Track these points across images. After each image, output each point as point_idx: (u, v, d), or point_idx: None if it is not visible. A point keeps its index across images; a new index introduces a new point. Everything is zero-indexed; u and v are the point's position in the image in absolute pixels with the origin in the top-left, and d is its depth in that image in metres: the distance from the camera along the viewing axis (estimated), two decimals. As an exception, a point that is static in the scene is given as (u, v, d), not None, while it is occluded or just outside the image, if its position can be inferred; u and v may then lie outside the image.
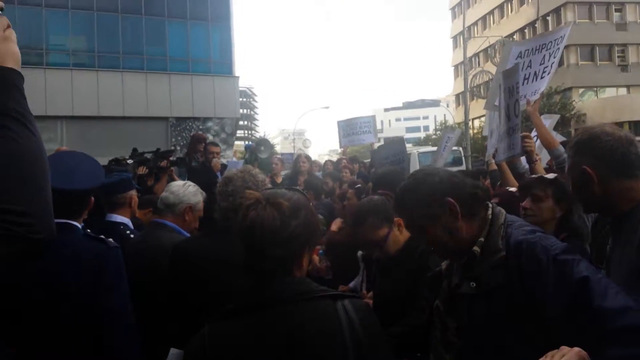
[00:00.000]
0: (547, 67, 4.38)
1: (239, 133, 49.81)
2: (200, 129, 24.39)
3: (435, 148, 20.66)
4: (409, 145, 40.60)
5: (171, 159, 6.42)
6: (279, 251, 1.61)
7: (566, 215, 3.04)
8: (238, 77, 27.56)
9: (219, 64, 26.53)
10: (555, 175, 3.21)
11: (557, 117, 5.95)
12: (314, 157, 14.86)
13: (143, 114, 24.24)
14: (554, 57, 4.34)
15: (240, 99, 39.25)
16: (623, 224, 1.98)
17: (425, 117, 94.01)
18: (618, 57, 39.87)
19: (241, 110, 40.44)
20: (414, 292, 2.64)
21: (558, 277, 1.72)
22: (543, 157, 4.39)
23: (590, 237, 3.18)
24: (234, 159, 10.38)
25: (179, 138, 24.55)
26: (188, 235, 3.28)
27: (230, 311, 1.65)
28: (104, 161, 4.61)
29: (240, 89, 35.70)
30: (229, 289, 2.01)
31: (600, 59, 39.54)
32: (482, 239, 1.90)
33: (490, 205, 1.99)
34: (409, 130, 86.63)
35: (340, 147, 10.64)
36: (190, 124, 25.22)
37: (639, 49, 39.67)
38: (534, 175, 3.34)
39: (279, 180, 8.25)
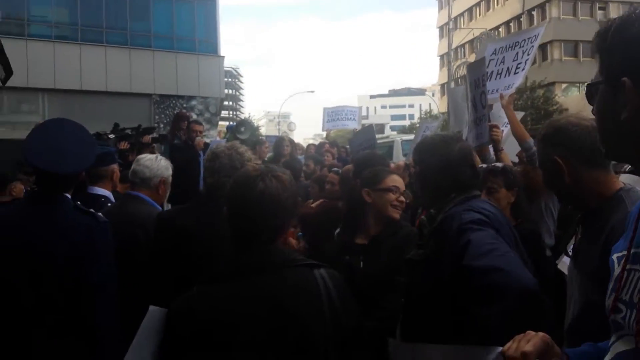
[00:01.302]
0: (520, 63, 4.58)
1: (224, 113, 49.54)
2: (184, 107, 24.23)
3: (418, 136, 20.82)
4: (393, 133, 40.83)
5: (153, 135, 6.49)
6: (277, 221, 1.75)
7: (517, 201, 3.23)
8: (223, 56, 27.37)
9: (204, 42, 26.30)
10: (503, 164, 3.41)
11: (522, 113, 6.25)
12: (299, 140, 14.93)
13: (126, 89, 23.97)
14: (528, 55, 4.54)
15: (226, 79, 39.00)
16: (590, 221, 2.00)
17: (411, 106, 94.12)
18: (601, 54, 40.32)
19: (226, 91, 40.14)
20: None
21: (453, 242, 1.93)
22: (513, 148, 4.57)
23: (555, 223, 3.39)
24: (218, 139, 10.40)
25: (162, 115, 24.36)
26: (160, 208, 3.37)
27: (218, 275, 1.76)
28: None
29: (226, 69, 35.48)
30: (215, 260, 2.13)
31: (584, 55, 40.02)
32: (432, 211, 2.18)
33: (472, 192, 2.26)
34: (394, 118, 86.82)
35: (323, 131, 10.81)
36: (174, 101, 25.03)
37: (619, 7, 40.05)
38: (482, 165, 3.47)
39: (261, 163, 8.32)
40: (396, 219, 2.84)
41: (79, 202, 2.53)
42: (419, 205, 3.65)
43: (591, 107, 1.22)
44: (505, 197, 3.19)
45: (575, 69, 37.65)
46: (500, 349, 1.40)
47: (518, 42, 4.66)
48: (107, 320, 2.37)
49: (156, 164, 3.42)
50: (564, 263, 2.43)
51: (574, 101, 36.72)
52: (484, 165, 3.44)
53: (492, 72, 4.64)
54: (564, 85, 39.86)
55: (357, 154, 7.12)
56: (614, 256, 1.30)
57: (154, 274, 2.76)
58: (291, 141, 8.90)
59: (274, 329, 1.66)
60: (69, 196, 2.54)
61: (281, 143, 8.49)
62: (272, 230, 1.76)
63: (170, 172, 3.50)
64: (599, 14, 40.69)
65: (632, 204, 1.56)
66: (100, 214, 2.51)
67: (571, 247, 2.21)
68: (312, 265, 1.78)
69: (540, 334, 1.37)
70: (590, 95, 1.21)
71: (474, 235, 1.90)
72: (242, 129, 8.59)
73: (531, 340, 1.34)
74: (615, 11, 40.53)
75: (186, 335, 1.69)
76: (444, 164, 2.23)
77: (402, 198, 2.84)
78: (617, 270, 1.25)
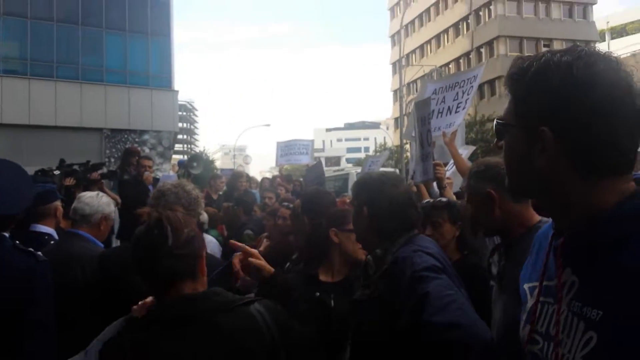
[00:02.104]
0: (460, 102, 4.79)
1: (178, 147, 49.05)
2: (137, 141, 23.92)
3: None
4: (349, 165, 41.24)
5: (101, 171, 6.38)
6: (187, 266, 1.74)
7: (461, 234, 3.31)
8: (177, 90, 27.31)
9: (158, 77, 26.19)
10: (447, 199, 3.50)
11: (472, 147, 6.49)
12: (255, 173, 14.99)
13: (76, 124, 23.52)
14: (468, 94, 4.76)
15: (180, 113, 38.74)
16: (514, 248, 2.15)
17: (366, 139, 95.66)
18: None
19: (180, 124, 39.87)
20: None
21: (409, 290, 1.91)
22: (457, 183, 4.74)
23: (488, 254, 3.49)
24: (171, 173, 10.27)
25: (114, 150, 23.95)
26: (102, 245, 3.32)
27: (150, 321, 1.70)
28: (32, 170, 4.55)
29: (180, 102, 35.29)
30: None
31: (527, 51, 41.56)
32: (378, 251, 2.15)
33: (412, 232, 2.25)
34: (350, 150, 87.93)
35: (277, 165, 10.88)
36: (125, 136, 24.67)
37: (563, 44, 42.13)
38: (426, 201, 3.56)
39: (216, 197, 8.27)
40: (363, 260, 2.85)
41: (18, 242, 2.47)
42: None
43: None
44: (450, 231, 3.24)
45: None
46: None
47: (458, 82, 4.91)
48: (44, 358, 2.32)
49: (97, 200, 3.37)
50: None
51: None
52: (430, 200, 3.51)
53: (434, 110, 4.83)
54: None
55: (309, 187, 7.40)
56: (525, 286, 1.36)
57: (96, 312, 2.70)
58: (248, 177, 8.90)
59: None
60: (7, 235, 2.48)
61: (237, 178, 8.46)
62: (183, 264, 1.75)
63: (112, 208, 3.46)
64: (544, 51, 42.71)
65: None
66: (39, 253, 2.46)
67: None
68: (247, 302, 1.78)
69: None
70: (500, 132, 1.25)
71: (432, 287, 1.88)
72: (194, 164, 8.46)
73: None
74: (559, 48, 42.68)
75: None
76: (392, 204, 2.23)
77: None
78: (530, 301, 1.30)
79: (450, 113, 4.83)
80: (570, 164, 1.14)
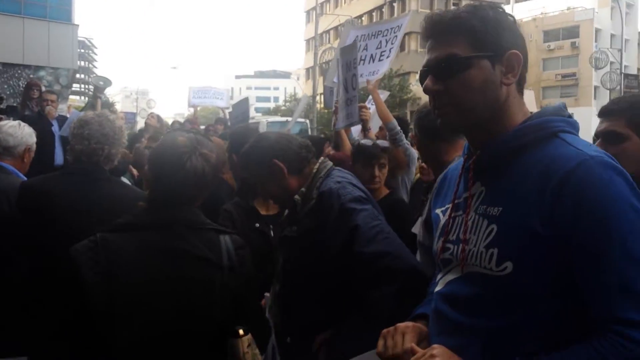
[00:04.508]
0: (384, 51, 4.89)
1: (76, 87, 45.94)
2: (32, 77, 22.17)
3: (283, 119, 21.18)
4: (258, 115, 40.85)
5: (0, 106, 5.93)
6: (197, 193, 1.92)
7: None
8: (77, 25, 25.36)
9: (56, 8, 24.14)
10: (387, 143, 3.67)
11: (387, 93, 6.72)
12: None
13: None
14: (392, 43, 4.86)
15: (79, 50, 36.17)
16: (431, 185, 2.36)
17: (276, 88, 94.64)
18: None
19: (79, 62, 37.25)
20: None
21: (338, 223, 2.03)
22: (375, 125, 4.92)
23: (408, 193, 3.76)
24: (68, 115, 9.69)
25: (6, 86, 22.04)
26: (25, 178, 3.15)
27: (124, 226, 1.84)
28: None
29: (79, 39, 32.88)
30: (77, 231, 2.08)
31: (438, 9, 42.99)
32: (303, 189, 2.21)
33: (317, 160, 2.29)
34: (259, 99, 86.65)
35: (189, 107, 10.53)
36: (19, 71, 22.71)
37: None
38: (377, 143, 3.68)
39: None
40: None
41: None
42: None
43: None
44: (386, 172, 3.52)
45: (429, 61, 40.16)
46: (374, 352, 1.44)
47: (381, 31, 4.98)
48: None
49: (20, 131, 3.19)
50: (417, 226, 2.74)
51: (427, 91, 39.43)
52: (367, 141, 3.65)
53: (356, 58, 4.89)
54: (417, 75, 42.63)
55: (235, 125, 7.55)
56: (437, 211, 1.58)
57: (19, 245, 2.62)
58: (159, 117, 8.61)
59: (179, 275, 1.79)
60: None
61: (149, 118, 8.24)
62: (189, 199, 1.91)
63: (34, 139, 3.28)
64: (453, 9, 43.95)
65: None
66: None
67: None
68: (219, 230, 1.94)
69: (410, 324, 1.46)
70: (454, 68, 1.34)
71: (360, 219, 1.99)
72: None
73: (407, 335, 1.41)
74: (465, 8, 44.21)
75: (90, 276, 1.74)
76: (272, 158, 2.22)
77: None
78: (442, 220, 1.51)
79: (374, 61, 4.92)
80: (516, 86, 1.38)
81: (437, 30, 1.39)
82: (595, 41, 45.38)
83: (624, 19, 32.36)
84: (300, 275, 2.16)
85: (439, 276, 1.48)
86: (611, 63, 29.98)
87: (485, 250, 1.28)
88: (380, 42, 4.92)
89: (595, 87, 42.38)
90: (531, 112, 1.41)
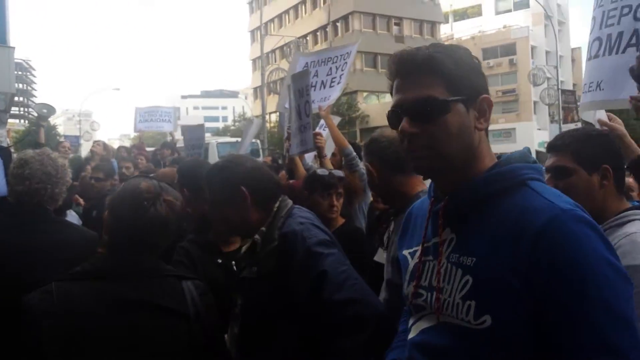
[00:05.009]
0: (335, 77, 4.92)
1: (14, 110, 44.25)
2: (-34, 103, 21.19)
3: (234, 139, 21.05)
4: (208, 135, 40.28)
5: None
6: (157, 242, 1.87)
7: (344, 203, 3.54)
8: (14, 47, 24.44)
9: (-9, 30, 23.27)
10: (342, 173, 3.66)
11: (339, 118, 6.80)
12: (103, 140, 13.99)
13: None
14: (342, 70, 4.90)
15: (16, 72, 34.89)
16: (399, 215, 2.32)
17: (224, 108, 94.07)
18: (397, 65, 44.83)
19: (17, 85, 35.89)
20: None
21: (304, 267, 1.94)
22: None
23: (365, 219, 3.74)
24: (7, 140, 9.36)
25: (-63, 112, 20.98)
26: None
27: (80, 274, 1.76)
28: None
29: (16, 60, 31.68)
30: (23, 279, 1.95)
31: (382, 67, 43.94)
32: (263, 229, 2.11)
33: (280, 198, 2.20)
34: (207, 119, 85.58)
35: (135, 132, 10.29)
36: (-49, 96, 21.71)
37: (411, 24, 44.96)
38: (321, 171, 3.66)
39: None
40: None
41: None
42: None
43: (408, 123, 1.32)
44: (342, 201, 3.51)
45: (374, 79, 41.07)
46: None
47: (330, 57, 5.02)
48: None
49: None
50: (380, 254, 2.70)
51: (374, 108, 40.20)
52: (322, 170, 3.61)
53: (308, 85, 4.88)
54: (365, 94, 43.39)
55: (187, 148, 7.54)
56: (405, 252, 1.55)
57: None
58: (105, 144, 8.39)
59: (140, 325, 1.73)
60: None
61: (95, 145, 8.05)
62: (151, 246, 1.86)
63: None
64: (395, 29, 45.17)
65: None
66: None
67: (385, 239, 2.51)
68: (180, 277, 1.90)
69: None
70: (434, 111, 1.30)
71: (327, 264, 1.91)
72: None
73: None
74: (408, 27, 45.42)
75: (45, 327, 1.66)
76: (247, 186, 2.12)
77: None
78: (411, 263, 1.48)
79: (325, 87, 4.94)
80: (485, 132, 1.37)
81: (408, 69, 1.34)
82: (532, 57, 47.43)
83: (557, 36, 33.93)
84: (260, 318, 2.06)
85: (410, 321, 1.44)
86: (548, 79, 31.29)
87: (461, 302, 1.25)
88: (331, 68, 4.96)
89: (535, 102, 44.11)
90: (497, 157, 1.40)
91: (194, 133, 8.37)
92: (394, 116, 1.36)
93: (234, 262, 2.74)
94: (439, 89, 1.30)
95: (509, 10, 53.35)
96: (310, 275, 1.91)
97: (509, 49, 48.58)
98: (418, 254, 1.44)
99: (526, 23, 49.41)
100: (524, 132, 43.90)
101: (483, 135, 1.36)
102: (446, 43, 1.44)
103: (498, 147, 29.15)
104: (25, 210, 2.49)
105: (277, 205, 2.16)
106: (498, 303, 1.19)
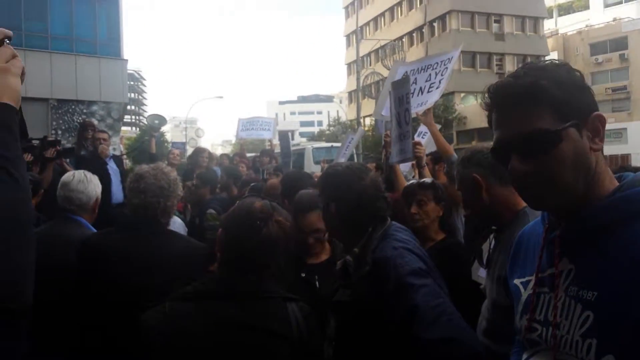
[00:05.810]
0: (433, 83, 4.78)
1: (127, 118, 47.61)
2: (85, 112, 23.02)
3: (328, 144, 21.29)
4: (303, 140, 41.07)
5: (58, 148, 6.10)
6: (269, 262, 1.88)
7: (444, 215, 3.36)
8: (127, 60, 26.28)
9: (106, 45, 25.09)
10: (432, 179, 3.54)
11: (437, 126, 6.64)
12: (207, 146, 14.69)
13: (21, 93, 22.37)
14: (442, 75, 4.75)
15: (128, 83, 37.54)
16: (504, 231, 2.20)
17: (319, 112, 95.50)
18: (496, 65, 43.18)
19: (129, 95, 38.60)
20: None
21: (395, 299, 1.86)
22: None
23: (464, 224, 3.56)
24: (121, 147, 10.16)
25: (61, 121, 22.97)
26: (94, 229, 3.16)
27: (193, 294, 1.81)
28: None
29: (128, 71, 34.11)
30: (138, 287, 2.05)
31: (480, 66, 42.55)
32: (356, 250, 2.07)
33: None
34: (303, 124, 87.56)
35: (238, 140, 10.72)
36: (73, 107, 23.64)
37: (515, 59, 43.12)
38: (412, 181, 3.59)
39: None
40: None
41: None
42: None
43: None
44: (434, 211, 3.29)
45: (472, 79, 39.87)
46: None
47: (431, 64, 4.88)
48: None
49: (89, 186, 3.17)
50: (480, 275, 2.58)
51: (471, 109, 39.01)
52: (414, 180, 3.53)
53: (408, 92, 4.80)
54: (462, 95, 42.17)
55: (284, 162, 7.85)
56: (517, 281, 1.44)
57: (79, 300, 2.62)
58: (209, 153, 8.74)
59: (244, 346, 1.75)
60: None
61: (199, 154, 8.34)
62: (261, 266, 1.87)
63: (100, 187, 3.28)
64: (494, 26, 43.55)
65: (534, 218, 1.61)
66: None
67: (485, 258, 2.37)
68: (286, 298, 1.91)
69: None
70: (548, 141, 1.21)
71: (419, 298, 1.82)
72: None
73: None
74: (508, 23, 43.60)
75: (157, 346, 1.73)
76: (360, 199, 2.13)
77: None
78: (524, 294, 1.38)
79: (422, 93, 4.82)
80: (601, 152, 1.27)
81: (509, 102, 1.25)
82: (646, 52, 43.92)
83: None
84: (355, 343, 2.03)
85: (524, 355, 1.36)
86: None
87: (581, 339, 1.16)
88: (430, 74, 4.83)
89: (649, 99, 40.85)
90: (617, 176, 1.28)
91: (283, 140, 8.93)
92: (500, 152, 1.28)
93: (316, 277, 2.74)
94: (547, 119, 1.21)
95: (620, 3, 49.80)
96: (401, 309, 1.84)
97: (619, 44, 45.22)
98: (532, 284, 1.35)
99: (639, 15, 45.84)
100: (637, 132, 40.54)
101: (600, 155, 1.25)
102: (542, 62, 1.31)
103: (608, 149, 27.15)
104: (140, 222, 2.65)
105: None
106: (622, 342, 1.09)
